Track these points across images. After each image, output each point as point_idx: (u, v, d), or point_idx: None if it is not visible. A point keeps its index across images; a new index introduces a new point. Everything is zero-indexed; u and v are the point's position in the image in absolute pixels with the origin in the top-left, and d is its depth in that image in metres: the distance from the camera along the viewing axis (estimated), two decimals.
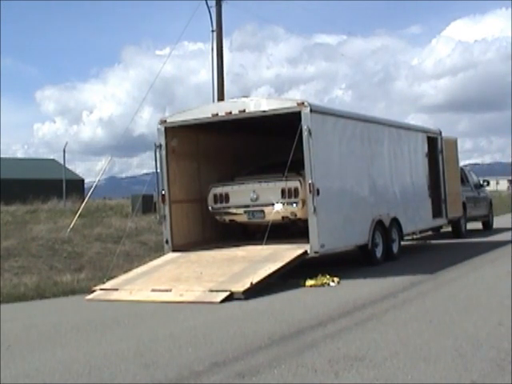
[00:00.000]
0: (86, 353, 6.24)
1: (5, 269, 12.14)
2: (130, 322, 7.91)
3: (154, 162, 12.13)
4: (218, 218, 12.64)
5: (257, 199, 12.05)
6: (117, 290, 10.00)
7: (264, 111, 11.39)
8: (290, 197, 11.58)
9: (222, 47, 20.25)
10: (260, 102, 11.53)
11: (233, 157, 13.94)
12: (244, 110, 11.56)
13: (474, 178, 20.96)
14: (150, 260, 12.10)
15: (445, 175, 16.56)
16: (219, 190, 12.42)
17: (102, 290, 10.13)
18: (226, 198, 12.35)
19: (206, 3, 20.34)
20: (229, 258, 11.05)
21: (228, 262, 10.73)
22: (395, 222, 13.55)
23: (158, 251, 13.31)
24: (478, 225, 21.34)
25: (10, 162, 58.54)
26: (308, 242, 10.88)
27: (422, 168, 15.68)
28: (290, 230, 12.37)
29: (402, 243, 14.36)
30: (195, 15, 20.52)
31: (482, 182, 21.51)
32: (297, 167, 11.15)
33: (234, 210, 12.34)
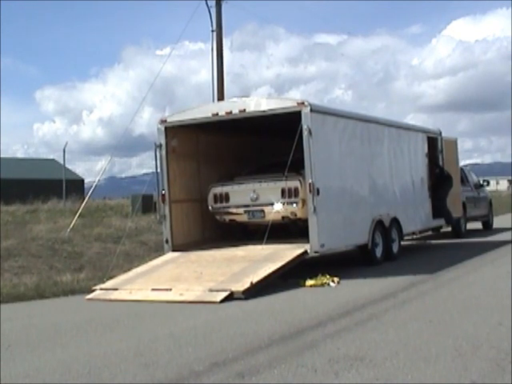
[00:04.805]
0: (86, 353, 6.24)
1: (5, 269, 12.13)
2: (129, 321, 7.90)
3: (153, 162, 12.15)
4: (218, 217, 12.64)
5: (257, 199, 12.05)
6: (117, 289, 10.00)
7: (264, 111, 11.38)
8: (289, 196, 11.58)
9: (222, 47, 20.26)
10: (260, 102, 11.53)
11: (233, 157, 13.94)
12: (244, 110, 11.56)
13: (473, 178, 20.94)
14: (150, 260, 12.09)
15: None
16: (219, 189, 12.42)
17: (101, 289, 10.13)
18: (226, 197, 12.35)
19: (206, 3, 20.35)
20: (229, 258, 11.05)
21: (228, 262, 10.73)
22: (395, 221, 13.54)
23: (158, 251, 13.30)
24: (478, 225, 21.33)
25: (10, 161, 58.56)
26: (308, 241, 10.88)
27: (422, 168, 15.68)
28: (290, 229, 12.37)
29: (402, 243, 14.36)
30: (195, 15, 20.53)
31: (481, 182, 21.50)
32: (297, 167, 11.14)
33: (234, 210, 12.34)
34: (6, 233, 15.25)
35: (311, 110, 10.87)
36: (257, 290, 9.22)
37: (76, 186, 43.40)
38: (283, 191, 11.62)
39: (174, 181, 12.35)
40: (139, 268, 11.30)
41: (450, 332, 6.42)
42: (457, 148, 18.51)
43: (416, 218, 15.11)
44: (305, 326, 7.01)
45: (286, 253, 10.75)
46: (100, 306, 9.25)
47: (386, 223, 13.09)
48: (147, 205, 21.38)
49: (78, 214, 17.19)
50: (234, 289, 9.09)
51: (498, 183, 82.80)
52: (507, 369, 5.05)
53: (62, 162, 33.91)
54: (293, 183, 11.54)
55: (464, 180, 19.42)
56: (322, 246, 10.89)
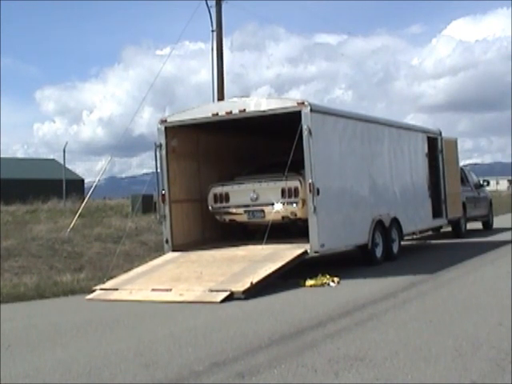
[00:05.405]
0: (86, 353, 6.24)
1: (5, 269, 12.14)
2: (129, 322, 7.90)
3: (154, 162, 12.14)
4: (218, 217, 12.64)
5: (257, 199, 12.05)
6: (117, 289, 10.00)
7: (264, 111, 11.38)
8: (289, 196, 11.58)
9: (222, 47, 20.26)
10: (260, 102, 11.52)
11: (233, 157, 13.94)
12: (244, 110, 11.55)
13: (473, 178, 20.94)
14: (150, 260, 12.09)
15: (445, 175, 16.57)
16: (219, 189, 12.42)
17: (102, 289, 10.13)
18: (226, 197, 12.35)
19: (206, 3, 20.35)
20: (229, 258, 11.04)
21: (228, 262, 10.73)
22: (395, 221, 13.54)
23: (158, 251, 13.30)
24: (478, 225, 21.33)
25: (10, 161, 58.56)
26: (308, 241, 10.88)
27: (422, 168, 15.68)
28: (290, 229, 12.37)
29: (402, 243, 14.36)
30: (195, 15, 20.54)
31: (481, 182, 21.50)
32: (297, 167, 11.14)
33: (234, 210, 12.34)
34: (6, 233, 15.25)
35: (311, 110, 10.87)
36: (257, 290, 9.21)
37: (76, 186, 43.42)
38: (283, 191, 11.61)
39: (174, 181, 12.34)
40: (139, 268, 11.30)
41: (450, 332, 6.42)
42: (457, 148, 18.52)
43: (416, 218, 15.10)
44: (305, 326, 7.01)
45: (285, 253, 10.75)
46: (100, 306, 9.25)
47: (386, 223, 13.09)
48: (147, 205, 21.38)
49: (77, 214, 17.19)
50: (234, 289, 9.08)
51: (498, 183, 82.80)
52: (507, 369, 5.05)
53: (62, 162, 33.96)
54: (293, 183, 11.54)
55: (464, 180, 19.42)
56: (322, 245, 10.89)
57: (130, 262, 13.09)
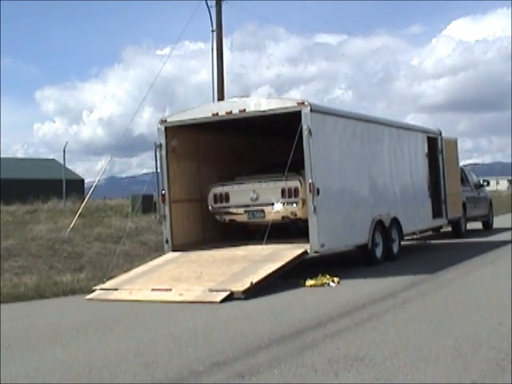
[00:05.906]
0: (86, 353, 6.24)
1: (5, 269, 12.13)
2: (129, 322, 7.90)
3: (154, 162, 12.15)
4: (218, 217, 12.64)
5: (257, 199, 12.05)
6: (117, 289, 10.00)
7: (264, 111, 11.38)
8: (289, 196, 11.58)
9: (222, 47, 20.25)
10: (260, 102, 11.52)
11: (233, 157, 13.94)
12: (244, 110, 11.56)
13: (473, 178, 20.94)
14: (150, 260, 12.10)
15: (445, 175, 16.57)
16: (219, 189, 12.42)
17: (102, 289, 10.13)
18: (226, 197, 12.35)
19: (206, 3, 20.34)
20: (229, 258, 11.05)
21: (228, 262, 10.73)
22: (395, 221, 13.54)
23: (158, 251, 13.30)
24: (478, 225, 21.33)
25: (10, 161, 58.56)
26: (308, 241, 10.88)
27: (422, 168, 15.67)
28: (290, 229, 12.37)
29: (402, 243, 14.36)
30: (195, 15, 20.53)
31: (481, 182, 21.51)
32: (297, 167, 11.15)
33: (234, 210, 12.34)
34: (6, 233, 15.25)
35: (311, 110, 10.87)
36: (257, 290, 9.21)
37: (76, 186, 43.41)
38: (283, 191, 11.61)
39: (174, 181, 12.35)
40: (139, 268, 11.30)
41: (450, 332, 6.42)
42: (457, 148, 18.52)
43: (416, 218, 15.10)
44: (305, 326, 7.01)
45: (285, 253, 10.75)
46: (100, 306, 9.25)
47: (386, 223, 13.09)
48: (147, 205, 21.39)
49: (77, 214, 17.19)
50: (234, 289, 9.09)
51: (498, 183, 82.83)
52: (507, 369, 5.05)
53: (62, 162, 33.97)
54: (293, 183, 11.54)
55: (464, 180, 19.42)
56: (322, 245, 10.89)
57: (130, 261, 13.09)
